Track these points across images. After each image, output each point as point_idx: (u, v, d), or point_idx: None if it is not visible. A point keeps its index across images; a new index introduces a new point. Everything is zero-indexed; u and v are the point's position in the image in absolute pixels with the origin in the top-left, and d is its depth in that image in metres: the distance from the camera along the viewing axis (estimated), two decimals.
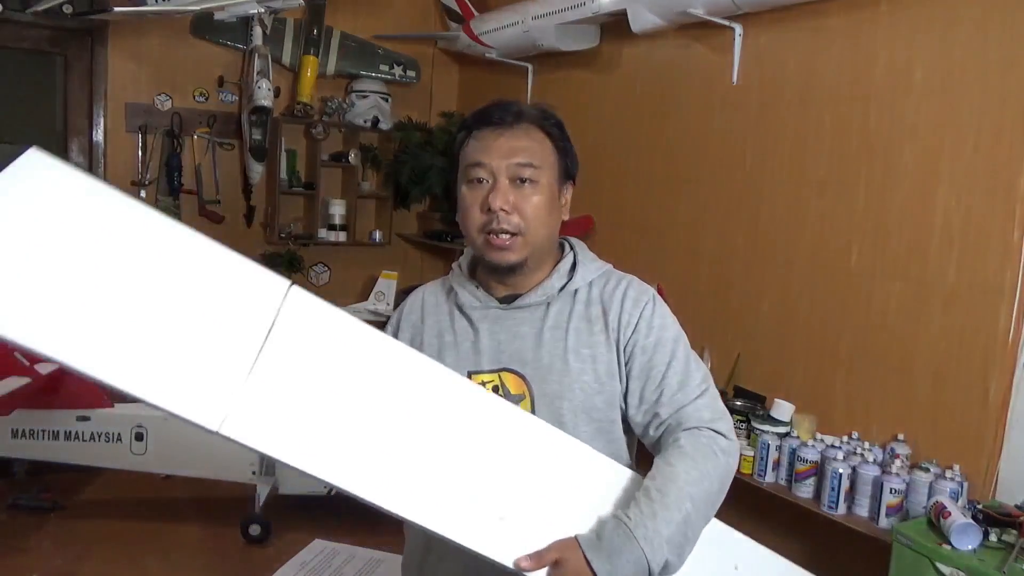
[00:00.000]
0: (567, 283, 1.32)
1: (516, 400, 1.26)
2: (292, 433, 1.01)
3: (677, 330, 1.32)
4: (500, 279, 1.32)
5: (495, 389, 1.27)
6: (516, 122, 1.29)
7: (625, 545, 1.11)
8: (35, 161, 0.91)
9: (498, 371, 1.28)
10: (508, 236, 1.26)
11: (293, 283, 1.03)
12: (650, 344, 1.28)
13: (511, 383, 1.28)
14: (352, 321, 1.08)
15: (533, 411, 1.25)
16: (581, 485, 1.19)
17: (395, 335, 1.39)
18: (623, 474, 1.24)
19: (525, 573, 1.12)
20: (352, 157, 4.64)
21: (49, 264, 0.90)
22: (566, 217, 1.35)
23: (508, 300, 1.32)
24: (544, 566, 1.12)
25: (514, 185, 1.26)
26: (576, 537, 1.13)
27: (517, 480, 1.14)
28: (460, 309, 1.34)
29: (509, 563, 1.11)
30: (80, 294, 0.91)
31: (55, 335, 0.90)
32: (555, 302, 1.31)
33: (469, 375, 1.27)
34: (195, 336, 0.96)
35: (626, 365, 1.29)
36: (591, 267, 1.35)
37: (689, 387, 1.27)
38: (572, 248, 1.38)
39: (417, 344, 1.34)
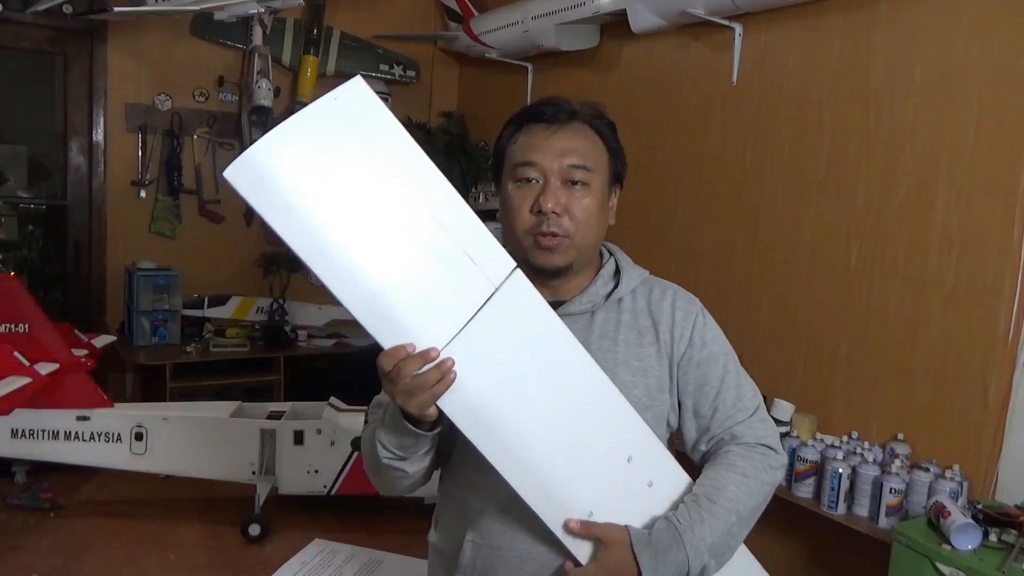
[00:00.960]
0: (613, 290, 1.28)
1: None
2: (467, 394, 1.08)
3: (724, 342, 1.31)
4: (542, 283, 1.25)
5: None
6: (569, 120, 1.24)
7: (671, 546, 1.13)
8: (360, 89, 1.02)
9: None
10: (556, 238, 1.21)
11: (518, 266, 1.11)
12: (704, 358, 1.27)
13: None
14: (549, 314, 1.14)
15: None
16: (647, 479, 1.20)
17: None
18: (682, 479, 1.24)
19: (567, 537, 1.15)
20: None
21: (343, 180, 1.01)
22: (612, 222, 1.30)
23: (552, 307, 1.27)
24: (590, 537, 1.14)
25: (565, 187, 1.21)
26: (628, 528, 1.15)
27: (603, 465, 1.17)
28: None
29: (559, 526, 1.14)
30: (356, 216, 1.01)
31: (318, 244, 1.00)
32: (600, 310, 1.27)
33: None
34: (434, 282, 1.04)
35: (679, 380, 1.27)
36: (633, 274, 1.31)
37: (743, 403, 1.28)
38: (612, 253, 1.34)
39: None
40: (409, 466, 1.19)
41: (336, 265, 1.00)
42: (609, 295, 1.28)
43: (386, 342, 1.04)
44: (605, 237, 1.32)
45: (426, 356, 1.03)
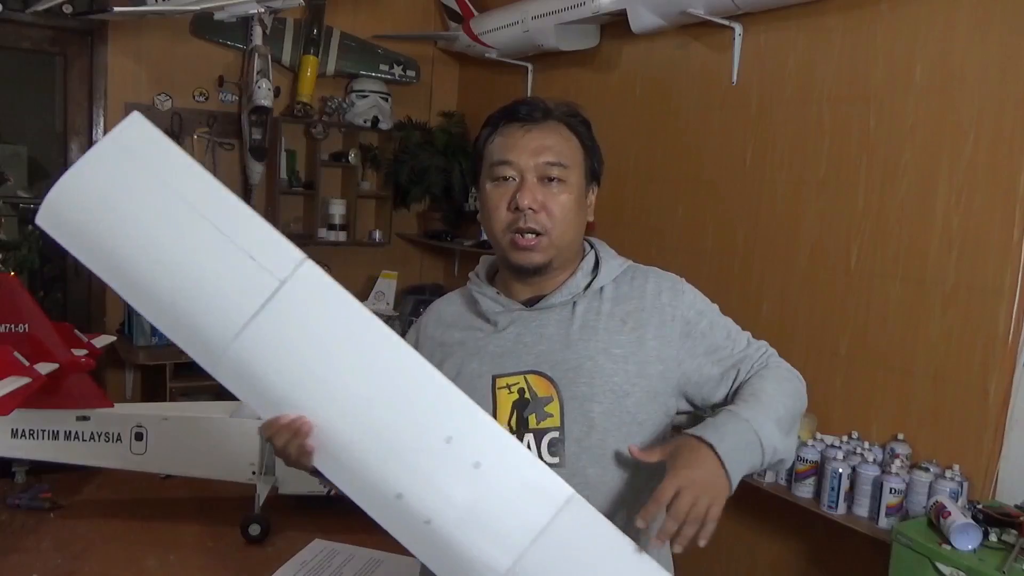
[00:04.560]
0: (592, 281, 1.29)
1: (544, 403, 1.22)
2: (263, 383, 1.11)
3: (709, 302, 1.34)
4: (523, 281, 1.28)
5: (520, 392, 1.23)
6: (544, 119, 1.25)
7: (731, 421, 1.14)
8: (137, 123, 1.10)
9: (524, 373, 1.24)
10: (534, 236, 1.22)
11: (308, 258, 1.11)
12: (705, 327, 1.29)
13: (538, 385, 1.23)
14: (350, 302, 1.12)
15: (562, 413, 1.22)
16: (472, 460, 1.11)
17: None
18: (524, 459, 1.14)
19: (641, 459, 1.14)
20: (352, 157, 4.64)
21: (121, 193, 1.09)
22: (591, 218, 1.32)
23: (531, 302, 1.29)
24: (651, 460, 1.13)
25: (542, 184, 1.23)
26: (682, 433, 1.15)
27: (415, 447, 1.12)
28: (482, 316, 1.30)
29: (373, 510, 1.13)
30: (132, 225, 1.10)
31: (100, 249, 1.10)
32: (581, 301, 1.28)
33: (493, 379, 1.24)
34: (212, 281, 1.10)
35: (686, 355, 1.27)
36: (614, 264, 1.32)
37: (740, 344, 1.33)
38: (593, 246, 1.35)
39: (438, 357, 1.30)
40: None
41: (148, 296, 1.10)
42: (588, 286, 1.29)
43: (242, 396, 1.14)
44: (590, 234, 1.34)
45: (290, 427, 1.09)
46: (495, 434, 1.12)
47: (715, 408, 1.27)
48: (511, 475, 1.10)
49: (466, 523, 1.08)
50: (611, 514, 1.17)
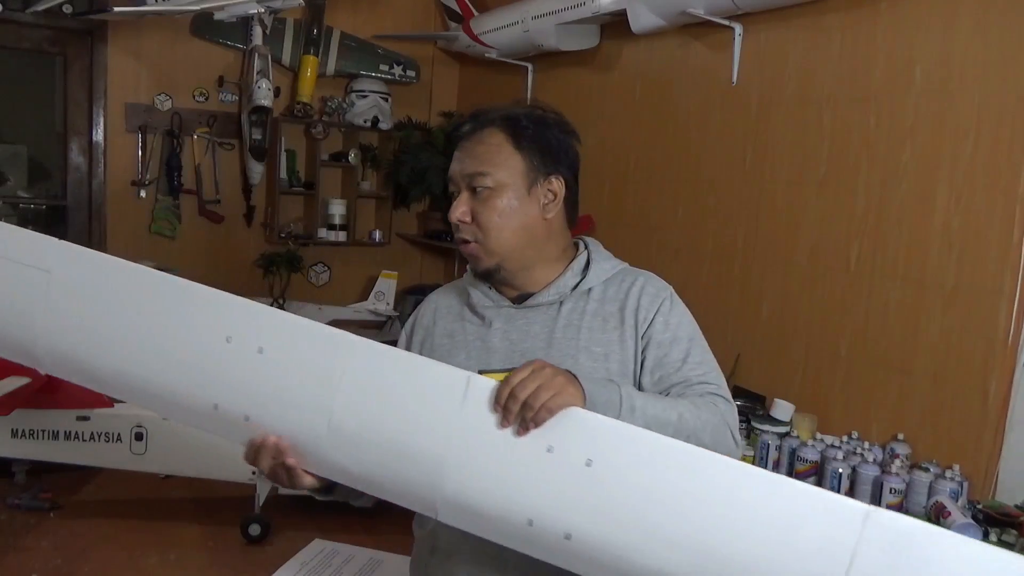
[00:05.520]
0: (580, 281, 1.31)
1: None
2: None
3: (693, 329, 1.31)
4: (499, 283, 1.33)
5: None
6: (474, 131, 1.30)
7: (603, 383, 1.12)
8: None
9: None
10: (470, 245, 1.29)
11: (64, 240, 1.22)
12: (666, 340, 1.27)
13: None
14: (113, 262, 1.22)
15: None
16: (256, 345, 1.16)
17: (408, 339, 1.40)
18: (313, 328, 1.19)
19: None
20: (352, 157, 4.64)
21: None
22: (549, 215, 1.31)
23: (520, 300, 1.32)
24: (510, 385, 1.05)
25: (473, 194, 1.28)
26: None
27: (202, 351, 1.19)
28: (472, 309, 1.34)
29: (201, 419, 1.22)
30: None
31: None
32: (568, 301, 1.31)
33: (480, 373, 1.25)
34: None
35: (641, 358, 1.27)
36: (605, 265, 1.34)
37: (706, 379, 1.25)
38: (587, 247, 1.37)
39: (428, 346, 1.35)
40: (358, 501, 1.29)
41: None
42: (576, 286, 1.31)
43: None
44: (588, 232, 1.35)
45: (268, 447, 1.12)
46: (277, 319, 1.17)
47: None
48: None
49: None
50: None
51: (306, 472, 1.15)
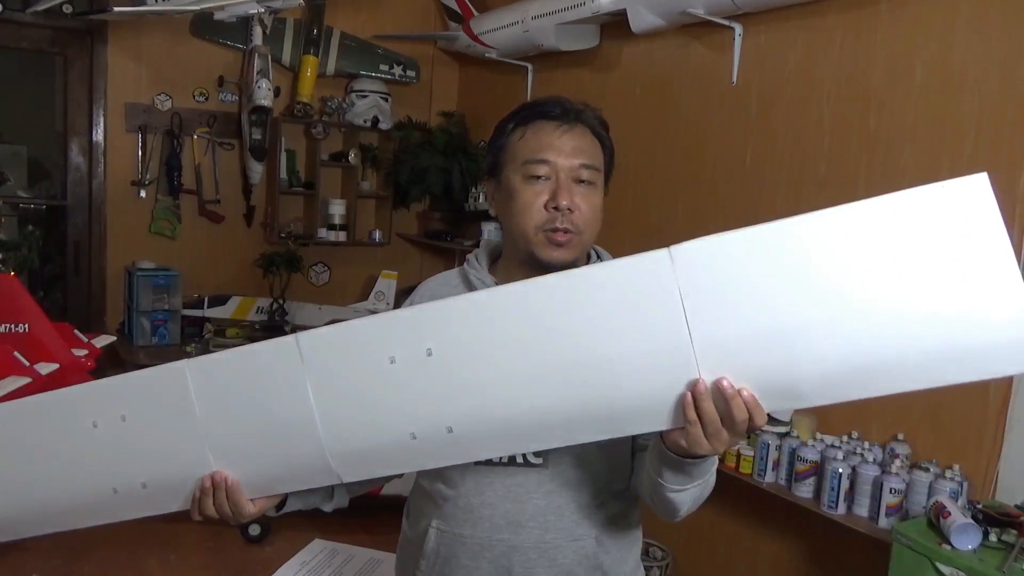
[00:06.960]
0: None
1: None
2: None
3: None
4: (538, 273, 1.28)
5: None
6: (577, 121, 1.27)
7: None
8: None
9: None
10: (568, 235, 1.23)
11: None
12: None
13: None
14: None
15: None
16: None
17: None
18: None
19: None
20: (352, 157, 4.64)
21: None
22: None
23: None
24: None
25: (575, 185, 1.25)
26: None
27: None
28: None
29: None
30: None
31: None
32: None
33: None
34: None
35: None
36: None
37: None
38: (595, 250, 1.36)
39: None
40: (324, 505, 1.28)
41: None
42: None
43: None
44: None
45: (216, 482, 1.13)
46: None
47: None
48: None
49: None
50: (587, 513, 1.25)
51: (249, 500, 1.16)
